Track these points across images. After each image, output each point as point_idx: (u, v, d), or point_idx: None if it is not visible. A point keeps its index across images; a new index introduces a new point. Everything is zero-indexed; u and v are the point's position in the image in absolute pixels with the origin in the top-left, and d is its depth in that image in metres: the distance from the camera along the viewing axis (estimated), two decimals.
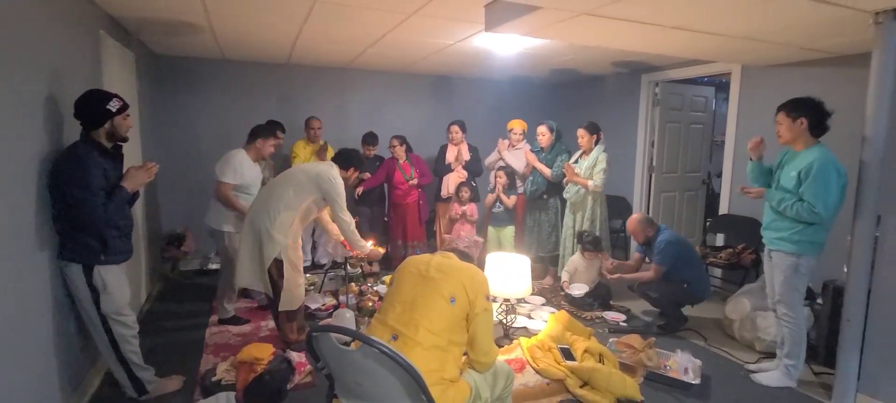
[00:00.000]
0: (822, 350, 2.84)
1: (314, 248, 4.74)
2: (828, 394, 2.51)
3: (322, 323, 3.20)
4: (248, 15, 3.09)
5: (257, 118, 3.99)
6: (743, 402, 2.50)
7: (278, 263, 2.66)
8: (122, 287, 2.21)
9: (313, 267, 4.61)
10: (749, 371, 2.78)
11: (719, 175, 4.71)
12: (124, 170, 2.19)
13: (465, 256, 2.16)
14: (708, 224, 4.84)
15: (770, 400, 2.52)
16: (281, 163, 4.86)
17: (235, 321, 3.29)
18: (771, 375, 2.66)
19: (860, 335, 2.37)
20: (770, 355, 2.86)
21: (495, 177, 4.30)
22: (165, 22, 3.28)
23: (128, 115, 2.19)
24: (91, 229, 2.03)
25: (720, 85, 5.33)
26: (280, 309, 2.64)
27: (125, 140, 2.22)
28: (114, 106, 2.10)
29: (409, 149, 4.58)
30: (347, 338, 1.48)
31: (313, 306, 3.42)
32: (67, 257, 2.05)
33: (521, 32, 2.89)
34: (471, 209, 4.32)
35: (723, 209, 4.33)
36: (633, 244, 5.17)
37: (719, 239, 4.31)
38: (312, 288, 3.92)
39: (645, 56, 4.20)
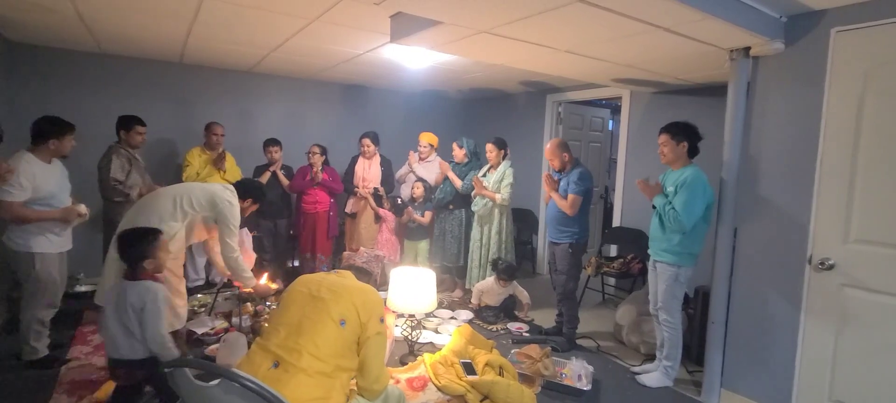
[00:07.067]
0: (695, 350, 3.13)
1: (209, 265, 4.34)
2: (699, 391, 2.77)
3: (209, 349, 2.90)
4: (126, 2, 2.76)
5: (149, 122, 3.66)
6: None
7: None
8: None
9: (207, 285, 4.21)
10: (634, 374, 2.98)
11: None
12: None
13: (363, 274, 2.08)
14: (604, 235, 5.20)
15: (651, 400, 2.72)
16: (174, 172, 4.42)
17: (46, 363, 2.63)
18: (652, 376, 2.88)
19: (723, 335, 2.66)
20: (652, 357, 3.10)
21: (412, 189, 4.26)
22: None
23: None
24: None
25: (615, 107, 5.80)
26: None
27: None
28: None
29: (326, 162, 4.43)
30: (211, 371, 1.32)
31: (200, 331, 3.09)
32: None
33: (425, 46, 2.89)
34: (390, 217, 4.26)
35: (616, 222, 4.67)
36: (541, 245, 5.39)
37: (613, 250, 4.63)
38: (203, 309, 3.56)
39: (548, 77, 4.43)
